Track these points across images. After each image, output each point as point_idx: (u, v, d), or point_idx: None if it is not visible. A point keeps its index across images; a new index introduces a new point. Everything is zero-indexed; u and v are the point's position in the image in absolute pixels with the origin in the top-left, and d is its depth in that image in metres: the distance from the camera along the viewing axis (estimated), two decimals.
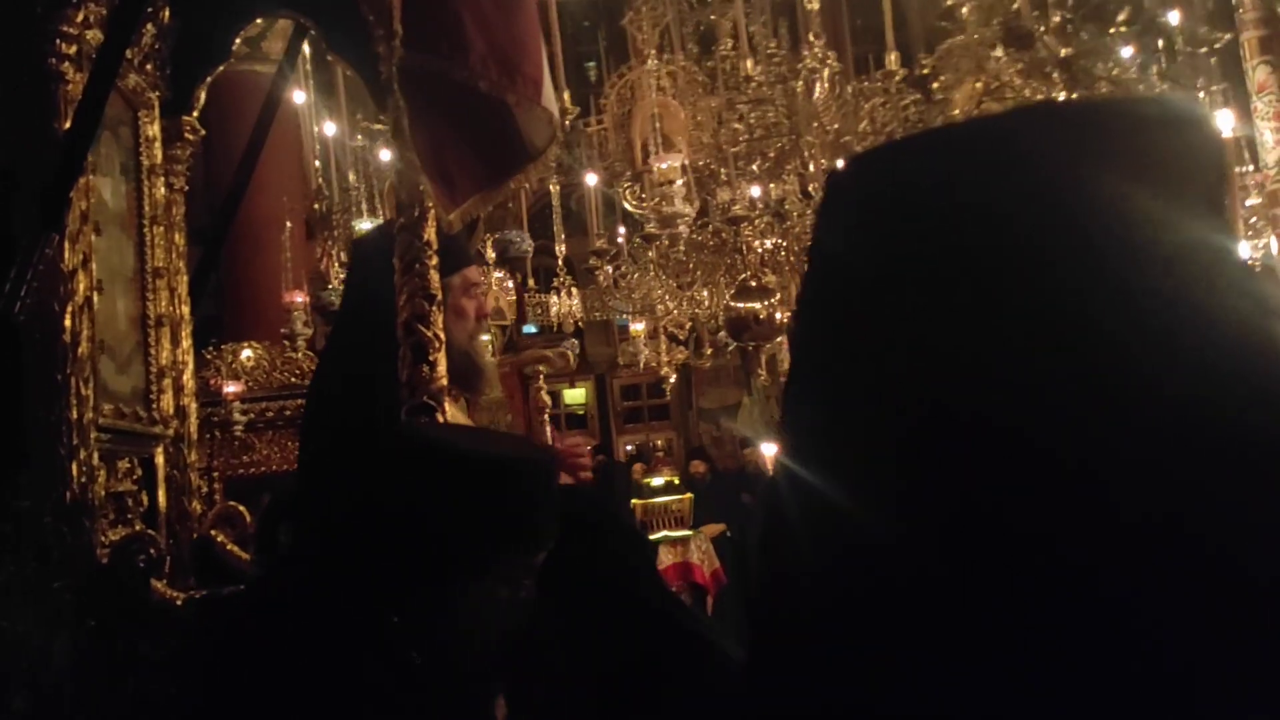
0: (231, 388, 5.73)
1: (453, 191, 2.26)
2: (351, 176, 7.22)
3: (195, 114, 3.07)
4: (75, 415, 2.30)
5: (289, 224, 6.57)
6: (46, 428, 2.27)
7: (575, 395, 15.14)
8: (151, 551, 2.37)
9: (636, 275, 7.40)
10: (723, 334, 7.94)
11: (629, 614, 1.52)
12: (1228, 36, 6.41)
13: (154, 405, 2.75)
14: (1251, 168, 6.37)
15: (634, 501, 9.20)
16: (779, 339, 6.95)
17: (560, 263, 8.30)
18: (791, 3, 6.68)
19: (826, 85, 6.14)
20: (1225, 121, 5.93)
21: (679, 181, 5.61)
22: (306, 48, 4.95)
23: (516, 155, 2.41)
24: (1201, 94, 6.21)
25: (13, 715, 2.13)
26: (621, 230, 7.77)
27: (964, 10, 5.42)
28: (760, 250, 6.55)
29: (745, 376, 12.14)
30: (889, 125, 5.89)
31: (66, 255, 2.33)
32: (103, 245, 2.55)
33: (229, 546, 2.80)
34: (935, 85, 5.65)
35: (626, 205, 6.93)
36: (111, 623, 2.27)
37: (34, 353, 2.28)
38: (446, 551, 1.54)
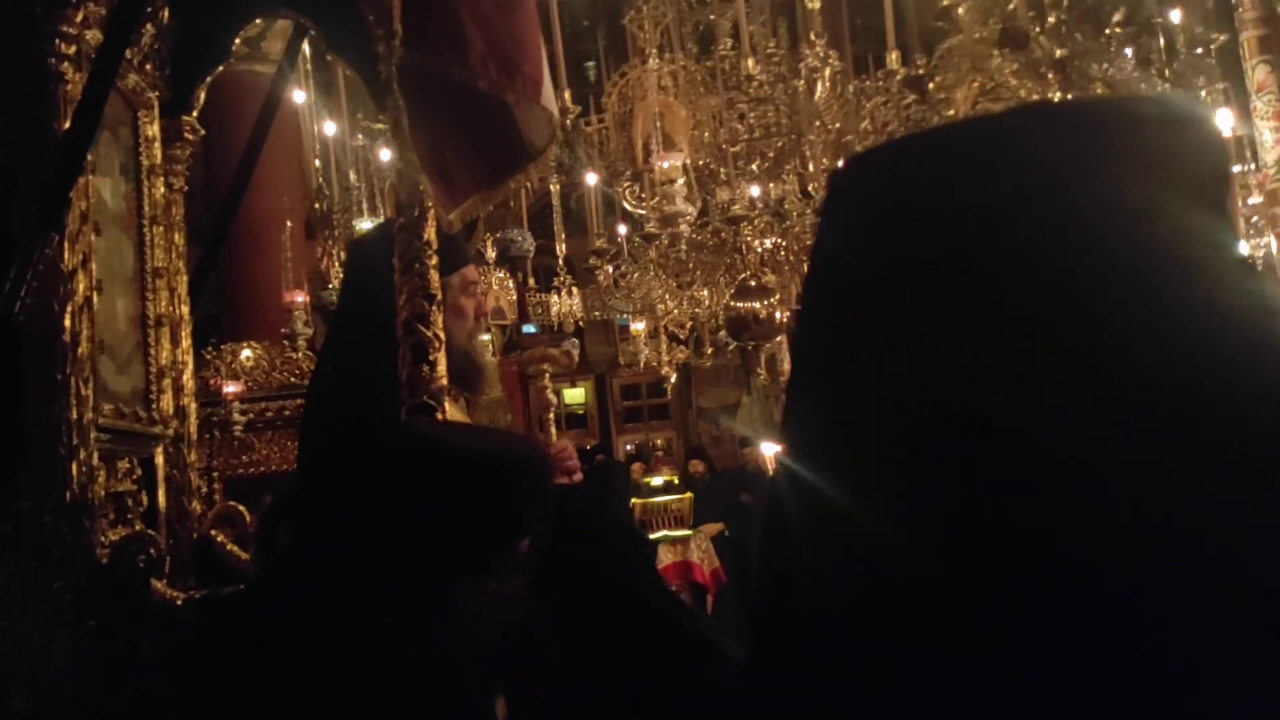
0: (231, 388, 5.74)
1: (452, 191, 2.26)
2: (352, 176, 7.22)
3: (195, 114, 3.07)
4: (75, 415, 2.29)
5: (289, 224, 6.57)
6: (46, 428, 2.27)
7: (575, 395, 15.14)
8: (151, 551, 2.37)
9: (636, 275, 7.40)
10: (723, 333, 7.95)
11: (629, 614, 1.52)
12: (1224, 37, 6.41)
13: (154, 405, 2.74)
14: (1253, 166, 6.37)
15: (634, 501, 9.19)
16: (778, 338, 6.96)
17: (561, 262, 8.30)
18: (791, 2, 6.68)
19: (828, 84, 6.13)
20: (1225, 121, 5.93)
21: (680, 181, 5.61)
22: (306, 47, 4.95)
23: (516, 155, 2.41)
24: (1203, 93, 6.21)
25: (13, 715, 2.13)
26: (622, 230, 7.77)
27: (960, 10, 5.43)
28: (760, 250, 6.54)
29: (745, 376, 12.14)
30: (890, 125, 5.88)
31: (66, 255, 2.33)
32: (102, 245, 2.55)
33: (229, 546, 2.80)
34: (932, 85, 5.65)
35: (626, 205, 6.93)
36: (111, 623, 2.27)
37: (34, 353, 2.28)
38: (441, 548, 1.54)
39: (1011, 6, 5.26)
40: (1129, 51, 5.71)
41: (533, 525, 1.58)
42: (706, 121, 6.49)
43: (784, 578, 0.77)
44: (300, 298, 6.22)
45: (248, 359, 6.13)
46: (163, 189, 2.88)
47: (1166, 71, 6.17)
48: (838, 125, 6.02)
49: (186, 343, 2.93)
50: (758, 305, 6.44)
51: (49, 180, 2.29)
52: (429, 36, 2.21)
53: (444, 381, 2.17)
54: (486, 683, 1.70)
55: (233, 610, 2.30)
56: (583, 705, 1.60)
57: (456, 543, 1.54)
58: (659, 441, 14.73)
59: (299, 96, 6.57)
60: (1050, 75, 5.20)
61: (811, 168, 6.13)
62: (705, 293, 7.16)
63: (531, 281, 8.89)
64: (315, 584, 1.61)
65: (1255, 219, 6.32)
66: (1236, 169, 6.48)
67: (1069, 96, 5.10)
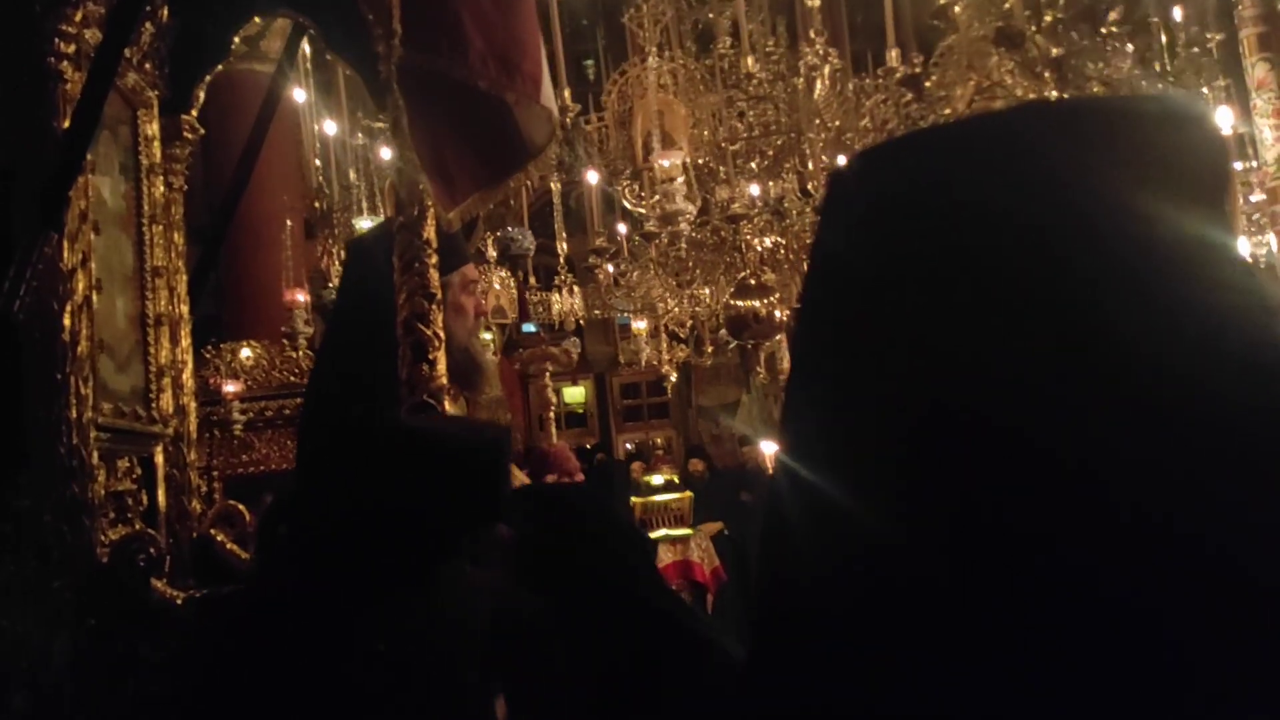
0: (231, 387, 5.74)
1: (452, 190, 2.26)
2: (351, 175, 7.22)
3: (194, 113, 3.07)
4: (74, 414, 2.29)
5: (289, 222, 6.57)
6: (46, 427, 2.27)
7: (575, 393, 15.14)
8: (151, 551, 2.37)
9: (637, 274, 7.40)
10: (723, 332, 7.94)
11: (628, 613, 1.52)
12: (1221, 36, 6.41)
13: (153, 404, 2.74)
14: (1254, 164, 6.37)
15: (633, 500, 9.19)
16: (778, 337, 6.95)
17: (562, 261, 8.30)
18: (790, 0, 6.68)
19: (827, 82, 6.13)
20: (1225, 118, 5.93)
21: (679, 179, 5.61)
22: (306, 46, 4.95)
23: (516, 153, 2.41)
24: (1205, 89, 6.21)
25: (12, 714, 2.13)
26: (621, 228, 7.77)
27: (956, 9, 5.42)
28: (760, 249, 6.54)
29: (745, 375, 12.14)
30: (890, 123, 5.88)
31: (65, 254, 2.33)
32: (102, 244, 2.55)
33: (229, 545, 2.80)
34: (929, 84, 5.65)
35: (626, 203, 6.93)
36: (111, 622, 2.27)
37: (33, 352, 2.28)
38: (411, 532, 1.55)
39: (1008, 6, 5.25)
40: (1130, 48, 5.70)
41: (495, 504, 1.59)
42: (706, 120, 6.49)
43: (783, 577, 0.77)
44: (301, 297, 6.22)
45: (247, 358, 6.13)
46: (162, 188, 2.88)
47: (1159, 67, 6.17)
48: (837, 123, 6.02)
49: (186, 342, 2.93)
50: (758, 304, 6.44)
51: (48, 179, 2.29)
52: (428, 35, 2.21)
53: (444, 380, 2.16)
54: (477, 671, 1.71)
55: (231, 610, 2.30)
56: (583, 705, 1.60)
57: (423, 524, 1.54)
58: (659, 440, 14.74)
59: (299, 95, 6.57)
60: (1047, 74, 5.20)
61: (811, 166, 6.13)
62: (706, 291, 7.16)
63: (533, 280, 8.90)
64: (308, 582, 1.61)
65: (1256, 216, 6.32)
66: (1237, 166, 6.48)
67: (1066, 95, 5.10)
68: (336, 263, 6.90)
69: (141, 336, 2.75)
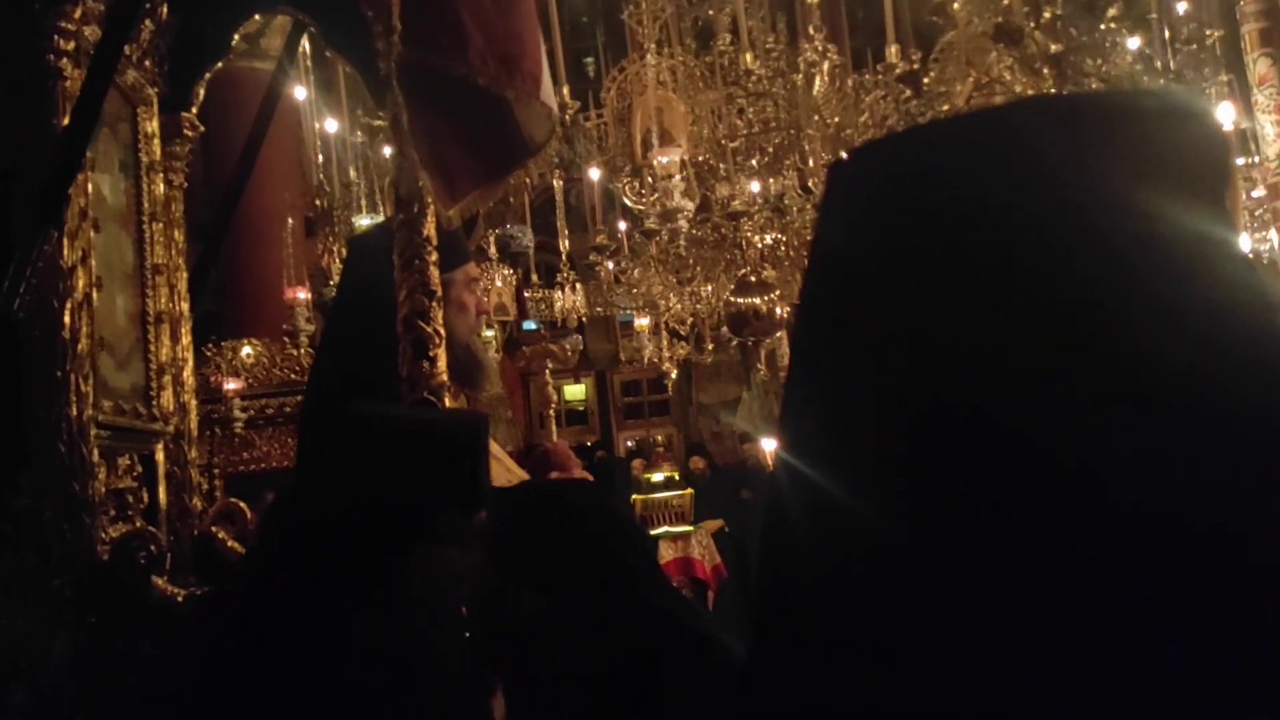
0: (232, 384, 5.74)
1: (452, 187, 2.26)
2: (351, 173, 7.21)
3: (194, 110, 3.06)
4: (75, 412, 2.29)
5: (290, 220, 6.57)
6: (46, 425, 2.26)
7: (576, 391, 15.14)
8: (152, 548, 2.36)
9: (638, 271, 7.39)
10: (724, 329, 7.93)
11: (628, 612, 1.52)
12: (1221, 32, 6.41)
13: (154, 402, 2.74)
14: (1257, 159, 6.36)
15: (634, 497, 9.20)
16: (779, 334, 6.95)
17: (564, 258, 8.30)
18: None
19: (826, 79, 6.12)
20: (1226, 114, 5.93)
21: (677, 176, 5.60)
22: (306, 44, 4.94)
23: (516, 150, 2.41)
24: (1208, 85, 6.20)
25: (13, 712, 2.13)
26: (622, 225, 7.77)
27: (955, 6, 5.42)
28: (760, 245, 6.53)
29: (745, 372, 12.14)
30: (889, 119, 5.88)
31: (65, 252, 2.32)
32: (102, 242, 2.55)
33: (230, 543, 2.80)
34: (928, 80, 5.65)
35: (627, 200, 6.92)
36: (112, 620, 2.27)
37: (33, 350, 2.27)
38: (392, 519, 1.55)
39: (1006, 2, 5.25)
40: (1133, 43, 5.70)
41: (475, 489, 1.59)
42: (705, 117, 6.48)
43: (784, 574, 0.77)
44: (302, 294, 6.22)
45: (248, 356, 6.13)
46: (162, 185, 2.88)
47: (1159, 64, 6.16)
48: (836, 120, 6.01)
49: (187, 339, 2.93)
50: (758, 301, 6.43)
51: (48, 176, 2.28)
52: (428, 33, 2.21)
53: (444, 377, 2.16)
54: (468, 666, 1.71)
55: (230, 608, 2.30)
56: (583, 705, 1.60)
57: (404, 511, 1.55)
58: (659, 437, 14.73)
59: (300, 93, 6.57)
60: (1046, 71, 5.20)
61: (811, 163, 6.12)
62: (709, 288, 7.16)
63: (535, 277, 8.89)
64: (304, 578, 1.61)
65: (1259, 212, 6.31)
66: (1239, 162, 6.47)
67: (1065, 91, 5.10)
68: (337, 261, 6.90)
69: (142, 334, 2.74)
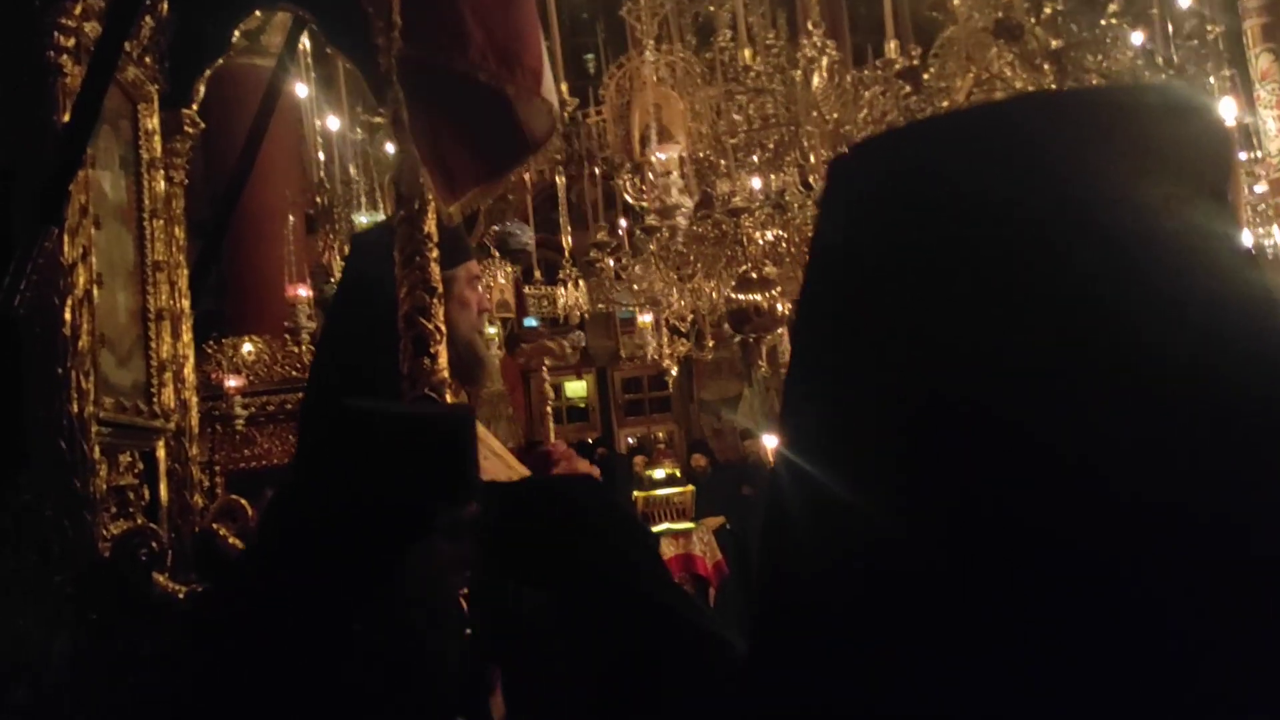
0: (233, 381, 5.75)
1: (452, 183, 2.26)
2: (352, 170, 7.22)
3: (194, 107, 3.06)
4: (76, 409, 2.29)
5: (291, 217, 6.58)
6: (47, 422, 2.27)
7: (577, 388, 15.15)
8: (153, 545, 2.37)
9: (639, 268, 7.39)
10: (725, 325, 7.93)
11: (631, 608, 1.52)
12: (1222, 28, 6.40)
13: (155, 399, 2.74)
14: (1259, 155, 6.36)
15: (636, 494, 9.21)
16: (780, 330, 6.95)
17: (566, 254, 8.30)
18: None
19: (825, 74, 6.11)
20: (1228, 109, 5.93)
21: (675, 173, 5.60)
22: (306, 41, 4.94)
23: (517, 147, 2.41)
24: (1211, 79, 6.20)
25: (14, 710, 2.13)
26: (622, 222, 7.76)
27: (955, 1, 5.41)
28: (761, 242, 6.53)
29: (746, 368, 12.14)
30: (889, 114, 5.87)
31: (66, 249, 2.33)
32: (102, 239, 2.55)
33: (231, 540, 2.80)
34: (927, 76, 5.64)
35: (628, 197, 6.92)
36: (113, 617, 2.28)
37: (34, 347, 2.28)
38: (384, 513, 1.55)
39: None
40: (1136, 37, 5.69)
41: (464, 479, 1.59)
42: (705, 113, 6.48)
43: (784, 570, 0.77)
44: (303, 291, 6.23)
45: (249, 353, 6.14)
46: (163, 182, 2.88)
47: (1160, 60, 6.16)
48: (835, 116, 6.00)
49: (187, 336, 2.93)
50: (759, 297, 6.42)
51: (49, 173, 2.28)
52: (428, 29, 2.21)
53: (445, 374, 2.16)
54: (463, 660, 1.71)
55: (228, 606, 2.30)
56: (583, 704, 1.60)
57: (386, 502, 1.55)
58: (660, 434, 14.74)
59: (300, 91, 6.57)
60: (1046, 66, 5.19)
61: (812, 159, 6.12)
62: (712, 284, 7.15)
63: (538, 274, 8.90)
64: (300, 575, 1.61)
65: (1261, 207, 6.31)
66: (1242, 157, 6.47)
67: (1065, 87, 5.09)
68: (338, 258, 6.90)
69: (143, 331, 2.75)
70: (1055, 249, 0.69)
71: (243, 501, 2.96)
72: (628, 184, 6.70)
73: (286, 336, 6.29)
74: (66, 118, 2.34)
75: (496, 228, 8.30)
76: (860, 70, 6.39)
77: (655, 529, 8.53)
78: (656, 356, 8.76)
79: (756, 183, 6.11)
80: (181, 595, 2.39)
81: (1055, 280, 0.68)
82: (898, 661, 0.68)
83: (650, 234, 6.62)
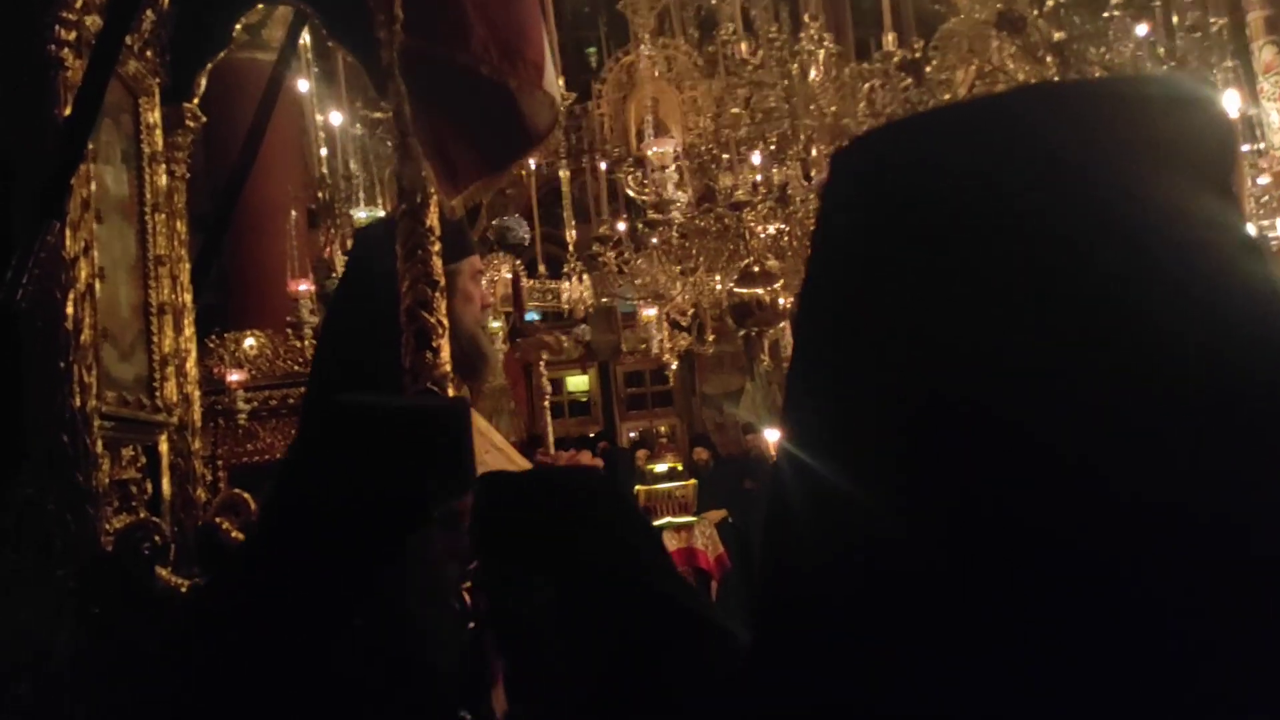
0: (235, 376, 5.75)
1: (455, 177, 2.25)
2: (352, 165, 7.21)
3: (196, 101, 3.06)
4: (78, 403, 2.29)
5: (293, 212, 6.57)
6: (49, 416, 2.27)
7: (579, 382, 15.15)
8: (156, 539, 2.37)
9: (642, 262, 7.38)
10: (727, 319, 7.93)
11: (632, 602, 1.52)
12: (1224, 20, 6.39)
13: (157, 393, 2.74)
14: (1262, 147, 6.35)
15: (638, 488, 9.21)
16: (782, 324, 6.94)
17: (570, 249, 8.30)
18: None
19: (822, 67, 6.10)
20: (1231, 101, 5.91)
21: (671, 167, 5.59)
22: (308, 35, 4.93)
23: (519, 140, 2.40)
24: (1214, 72, 6.19)
25: (17, 704, 2.13)
26: (622, 222, 7.76)
27: None
28: (763, 236, 6.52)
29: (748, 362, 12.13)
30: (888, 107, 5.86)
31: (68, 243, 2.32)
32: (104, 233, 2.55)
33: (233, 534, 2.80)
34: (929, 68, 5.63)
35: (629, 191, 6.91)
36: (115, 611, 2.28)
37: (36, 341, 2.28)
38: (382, 505, 1.55)
39: None
40: (1141, 29, 5.68)
41: (459, 471, 1.60)
42: (707, 107, 6.47)
43: (786, 564, 0.77)
44: (305, 286, 6.23)
45: (251, 347, 6.14)
46: (164, 176, 2.87)
47: (1163, 51, 6.14)
48: (834, 109, 6.00)
49: (190, 330, 2.93)
50: (761, 291, 6.42)
51: (50, 167, 2.28)
52: (430, 22, 2.20)
53: (447, 368, 2.16)
54: (462, 655, 1.71)
55: (228, 599, 2.30)
56: (583, 699, 1.60)
57: (383, 493, 1.55)
58: (663, 428, 14.75)
59: (302, 85, 6.56)
60: (1048, 59, 5.18)
61: (815, 152, 6.11)
62: (718, 278, 7.14)
63: (542, 269, 8.89)
64: (298, 569, 1.61)
65: (1265, 199, 6.30)
66: (1245, 149, 6.46)
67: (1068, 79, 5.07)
68: (340, 252, 6.90)
69: (145, 325, 2.74)
70: (1057, 244, 0.68)
71: (245, 495, 2.96)
72: (630, 178, 6.70)
73: (289, 331, 6.28)
74: (68, 112, 2.34)
75: (495, 222, 8.29)
76: (859, 64, 6.38)
77: (658, 523, 8.54)
78: (659, 350, 8.76)
79: (756, 157, 6.08)
80: (184, 589, 2.39)
81: (1055, 274, 0.68)
82: (898, 661, 0.67)
83: (653, 228, 6.62)
